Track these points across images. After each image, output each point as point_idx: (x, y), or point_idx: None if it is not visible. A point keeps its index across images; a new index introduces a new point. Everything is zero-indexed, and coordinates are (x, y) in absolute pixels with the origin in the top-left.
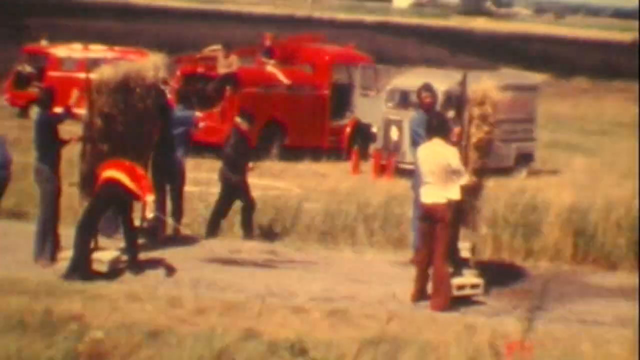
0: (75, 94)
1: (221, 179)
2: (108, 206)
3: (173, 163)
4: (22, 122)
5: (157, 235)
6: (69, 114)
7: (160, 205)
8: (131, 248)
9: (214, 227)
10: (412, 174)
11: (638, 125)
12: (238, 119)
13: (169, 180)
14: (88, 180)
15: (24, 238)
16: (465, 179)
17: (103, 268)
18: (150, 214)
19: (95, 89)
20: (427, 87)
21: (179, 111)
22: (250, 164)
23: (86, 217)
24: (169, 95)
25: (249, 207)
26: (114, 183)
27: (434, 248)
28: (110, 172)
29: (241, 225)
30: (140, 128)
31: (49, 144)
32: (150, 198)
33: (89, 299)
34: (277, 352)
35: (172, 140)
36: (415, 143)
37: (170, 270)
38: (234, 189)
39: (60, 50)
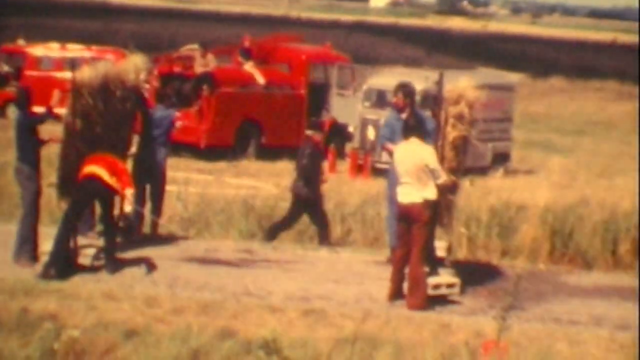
0: (56, 94)
1: (293, 192)
2: (88, 202)
3: (154, 163)
4: (0, 122)
5: (132, 234)
6: (49, 114)
7: (140, 205)
8: (109, 246)
9: (272, 235)
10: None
11: (638, 123)
12: (309, 131)
13: (150, 180)
14: (67, 181)
15: (0, 237)
16: (443, 178)
17: (86, 261)
18: (128, 207)
19: (75, 89)
20: (402, 88)
21: (159, 111)
22: (324, 177)
23: (67, 214)
24: (146, 94)
25: (323, 222)
26: (94, 179)
27: (410, 248)
28: (91, 168)
29: (320, 240)
30: (119, 130)
31: (30, 144)
32: (129, 192)
33: (65, 298)
34: (252, 351)
35: (153, 140)
36: (379, 142)
37: (151, 267)
38: (306, 203)
39: (38, 50)
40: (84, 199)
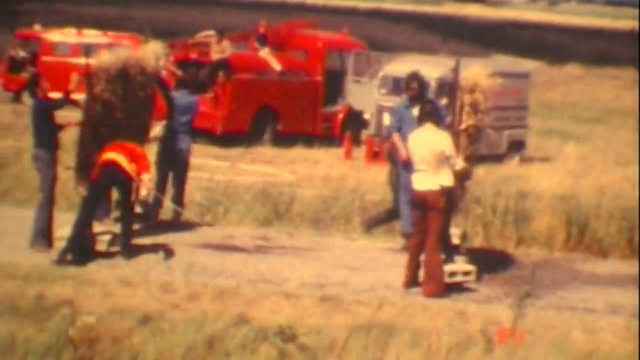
0: (75, 78)
1: (390, 183)
2: (107, 189)
3: (179, 151)
4: (16, 107)
5: (149, 219)
6: (67, 100)
7: (160, 191)
8: (126, 232)
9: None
10: None
11: (638, 111)
12: None
13: (173, 168)
14: (85, 166)
15: (15, 223)
16: (460, 164)
17: (102, 247)
18: (144, 192)
19: (94, 74)
20: (415, 76)
21: (183, 97)
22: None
23: (86, 200)
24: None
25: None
26: (112, 165)
27: (426, 235)
28: (110, 155)
29: (372, 223)
30: (138, 116)
31: (47, 130)
32: (146, 177)
33: (80, 284)
34: (267, 338)
35: (178, 127)
36: (390, 131)
37: (167, 254)
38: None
39: (54, 35)
40: (102, 185)
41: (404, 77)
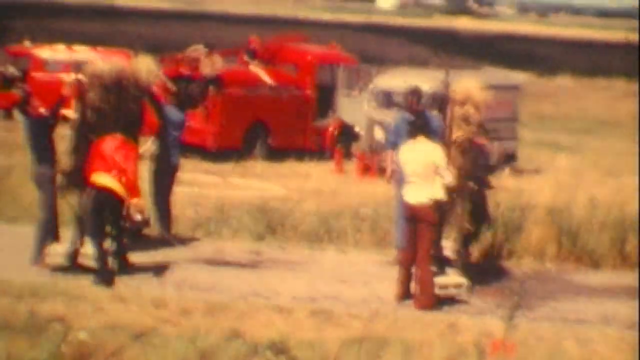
0: (70, 80)
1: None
2: (103, 210)
3: (173, 166)
4: (7, 124)
5: (140, 235)
6: (56, 115)
7: (162, 206)
8: (120, 249)
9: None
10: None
11: (638, 121)
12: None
13: (165, 183)
14: (77, 171)
15: (7, 239)
16: (450, 179)
17: (91, 262)
18: (137, 216)
19: (88, 80)
20: (416, 91)
21: (174, 113)
22: (491, 182)
23: (91, 227)
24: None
25: (482, 223)
26: (104, 190)
27: (418, 248)
28: (100, 178)
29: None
30: (130, 128)
31: (46, 146)
32: (135, 201)
33: (73, 300)
34: (259, 352)
35: (170, 142)
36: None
37: (159, 269)
38: (476, 204)
39: (44, 52)
40: (97, 210)
41: (394, 90)
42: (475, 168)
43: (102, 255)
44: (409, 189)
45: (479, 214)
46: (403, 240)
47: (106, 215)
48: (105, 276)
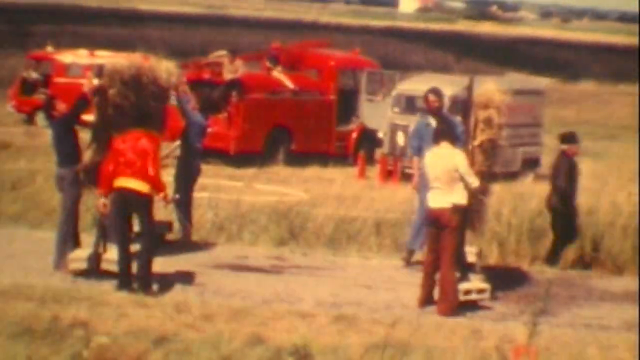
0: (90, 76)
1: (549, 208)
2: (127, 213)
3: (196, 170)
4: (29, 129)
5: (162, 240)
6: (84, 101)
7: (184, 209)
8: (145, 263)
9: (555, 260)
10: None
11: (638, 128)
12: (564, 145)
13: (188, 187)
14: (95, 169)
15: (30, 244)
16: (475, 182)
17: (115, 268)
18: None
19: (108, 76)
20: (435, 91)
21: (196, 117)
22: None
23: (115, 231)
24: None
25: (567, 238)
26: (127, 192)
27: (441, 253)
28: (122, 181)
29: (549, 252)
30: (151, 125)
31: (69, 148)
32: (161, 195)
33: (95, 305)
34: (282, 357)
35: (193, 147)
36: (410, 152)
37: (183, 275)
38: (562, 218)
39: (66, 57)
40: (120, 211)
41: (417, 95)
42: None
43: (125, 259)
44: (432, 194)
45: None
46: (417, 244)
47: (132, 216)
48: (128, 282)
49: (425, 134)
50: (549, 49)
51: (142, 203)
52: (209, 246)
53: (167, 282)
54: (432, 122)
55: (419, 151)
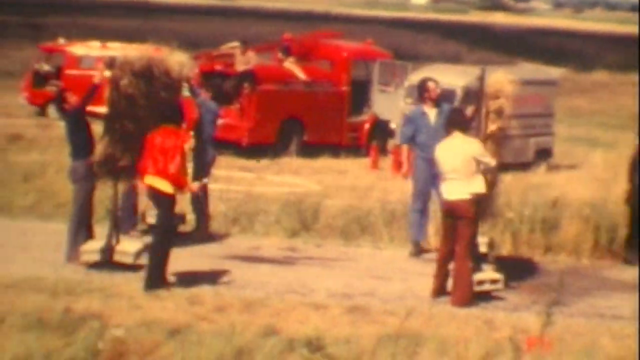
0: (102, 67)
1: (628, 204)
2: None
3: (210, 160)
4: (40, 121)
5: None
6: (94, 91)
7: (202, 200)
8: (160, 246)
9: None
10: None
11: (637, 119)
12: None
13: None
14: (109, 159)
15: (42, 236)
16: (492, 161)
17: (128, 259)
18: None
19: (119, 67)
20: (433, 79)
21: (209, 108)
22: None
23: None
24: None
25: None
26: (152, 189)
27: (457, 244)
28: (148, 179)
29: (625, 249)
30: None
31: (82, 141)
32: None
33: (108, 297)
34: (295, 348)
35: (206, 138)
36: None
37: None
38: None
39: (78, 49)
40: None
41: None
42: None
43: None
44: (448, 186)
45: None
46: (422, 234)
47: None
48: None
49: (421, 122)
50: (562, 39)
51: (163, 201)
52: (222, 237)
53: (179, 274)
54: (428, 110)
55: (411, 140)
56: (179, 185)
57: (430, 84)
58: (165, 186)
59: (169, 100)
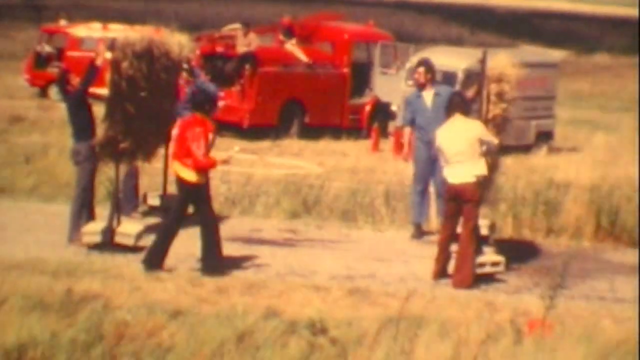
0: (101, 48)
1: None
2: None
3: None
4: (42, 102)
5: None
6: (93, 71)
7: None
8: (163, 243)
9: None
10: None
11: (638, 103)
12: None
13: None
14: (111, 141)
15: (43, 218)
16: (495, 140)
17: (129, 241)
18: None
19: (120, 49)
20: (425, 62)
21: (209, 89)
22: None
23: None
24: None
25: None
26: (177, 177)
27: (463, 227)
28: (175, 166)
29: None
30: (162, 99)
31: (84, 122)
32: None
33: (109, 279)
34: (297, 331)
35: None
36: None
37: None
38: None
39: (79, 30)
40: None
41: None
42: None
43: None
44: (452, 169)
45: None
46: (423, 217)
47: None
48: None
49: (417, 105)
50: (563, 22)
51: (183, 188)
52: (223, 219)
53: (181, 255)
54: (424, 93)
55: (412, 122)
56: (206, 167)
57: (420, 69)
58: (187, 174)
59: (167, 83)
